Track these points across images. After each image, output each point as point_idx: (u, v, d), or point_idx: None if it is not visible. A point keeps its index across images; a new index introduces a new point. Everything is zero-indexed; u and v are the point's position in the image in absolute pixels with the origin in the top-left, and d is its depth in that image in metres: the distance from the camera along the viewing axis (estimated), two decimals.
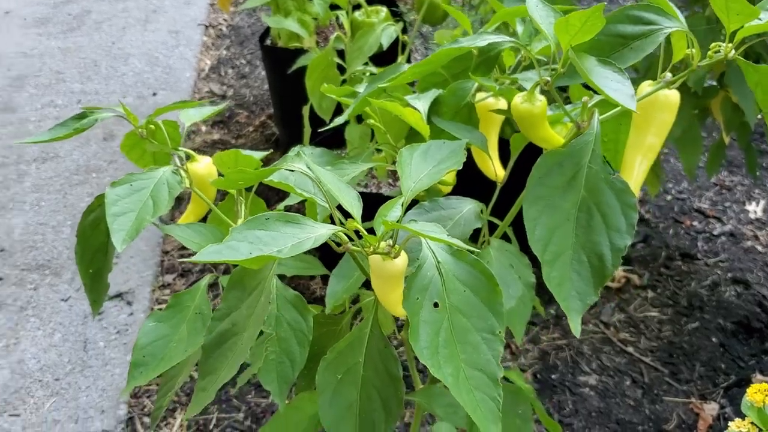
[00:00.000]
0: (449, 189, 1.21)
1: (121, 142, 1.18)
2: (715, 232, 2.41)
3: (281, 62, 2.49)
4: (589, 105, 0.86)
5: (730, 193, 2.58)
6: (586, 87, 0.95)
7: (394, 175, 2.02)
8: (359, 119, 2.05)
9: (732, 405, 1.87)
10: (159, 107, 1.09)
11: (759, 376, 1.93)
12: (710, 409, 1.86)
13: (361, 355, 0.84)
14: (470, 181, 1.69)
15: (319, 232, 0.66)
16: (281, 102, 2.73)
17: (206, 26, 3.97)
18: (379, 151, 1.63)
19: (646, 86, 0.88)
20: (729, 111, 1.87)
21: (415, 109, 1.01)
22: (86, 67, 3.54)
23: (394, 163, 1.21)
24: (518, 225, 0.99)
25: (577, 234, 0.77)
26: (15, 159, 2.93)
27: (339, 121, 1.18)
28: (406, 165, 0.80)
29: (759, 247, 2.35)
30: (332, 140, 2.23)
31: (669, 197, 2.57)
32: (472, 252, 0.70)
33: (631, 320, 2.09)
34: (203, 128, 3.08)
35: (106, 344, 2.11)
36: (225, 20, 4.06)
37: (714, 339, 2.04)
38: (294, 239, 0.64)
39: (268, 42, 2.66)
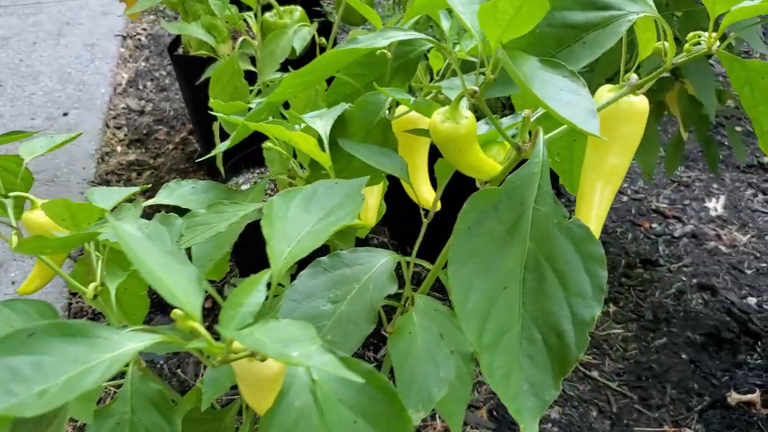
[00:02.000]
0: (372, 222, 0.98)
1: None
2: (676, 234, 2.23)
3: (194, 72, 2.25)
4: (533, 118, 0.65)
5: (688, 189, 2.41)
6: None
7: None
8: None
9: (708, 431, 1.68)
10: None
11: (734, 395, 1.75)
12: None
13: None
14: (401, 215, 1.47)
15: (118, 351, 0.42)
16: (199, 116, 2.49)
17: (124, 37, 3.69)
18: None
19: (605, 92, 0.68)
20: (686, 104, 1.69)
21: (311, 131, 0.79)
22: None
23: None
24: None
25: (524, 303, 0.56)
26: None
27: (222, 148, 0.96)
28: (278, 220, 0.58)
29: (723, 248, 2.18)
30: (255, 159, 2.00)
31: (625, 198, 2.39)
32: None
33: (593, 339, 1.89)
34: (119, 149, 2.82)
35: None
36: (144, 29, 3.78)
37: (684, 355, 1.85)
38: (73, 367, 0.40)
39: (180, 51, 2.41)
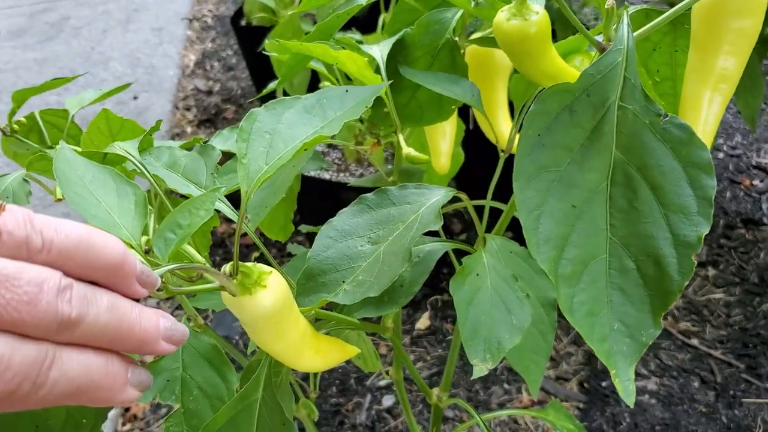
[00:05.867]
0: (445, 169, 0.87)
1: (1, 144, 0.90)
2: None
3: (258, 43, 2.18)
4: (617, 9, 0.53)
5: None
6: None
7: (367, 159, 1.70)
8: None
9: None
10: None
11: None
12: None
13: None
14: (483, 155, 1.35)
15: None
16: (263, 88, 2.42)
17: (190, 20, 3.67)
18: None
19: None
20: None
21: (364, 55, 0.69)
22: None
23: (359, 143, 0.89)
24: None
25: (612, 225, 0.45)
26: None
27: (273, 86, 0.87)
28: (258, 134, 0.48)
29: None
30: None
31: (721, 154, 2.20)
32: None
33: (691, 306, 1.74)
34: (188, 129, 2.78)
35: None
36: (210, 11, 3.75)
37: None
38: None
39: (243, 23, 2.35)
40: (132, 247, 0.41)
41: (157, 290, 0.39)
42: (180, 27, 3.61)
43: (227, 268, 0.42)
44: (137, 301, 0.37)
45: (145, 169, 0.58)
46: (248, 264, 0.44)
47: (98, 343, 0.35)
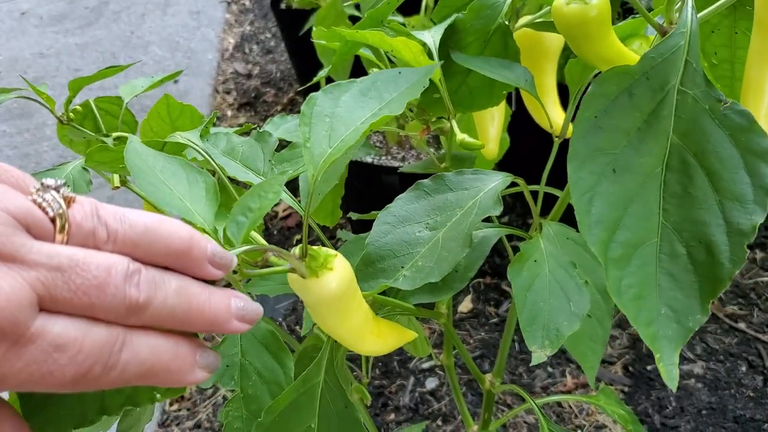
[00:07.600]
0: (494, 154, 0.87)
1: (57, 132, 0.92)
2: None
3: (299, 27, 2.18)
4: None
5: None
6: None
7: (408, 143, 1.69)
8: None
9: None
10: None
11: None
12: None
13: (313, 420, 0.55)
14: (527, 140, 1.35)
15: None
16: (304, 72, 2.42)
17: (228, 3, 3.68)
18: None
19: None
20: None
21: (417, 41, 0.69)
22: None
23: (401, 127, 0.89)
24: None
25: (665, 210, 0.45)
26: (33, 167, 2.71)
27: (323, 74, 0.87)
28: (319, 118, 0.49)
29: None
30: None
31: None
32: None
33: (738, 289, 1.71)
34: (229, 113, 2.80)
35: None
36: None
37: None
38: None
39: (283, 6, 2.35)
40: (206, 232, 0.42)
41: (233, 272, 0.39)
42: (218, 10, 3.62)
43: (296, 250, 0.43)
44: (213, 283, 0.38)
45: (211, 158, 0.59)
46: (315, 247, 0.44)
47: (167, 326, 0.36)
